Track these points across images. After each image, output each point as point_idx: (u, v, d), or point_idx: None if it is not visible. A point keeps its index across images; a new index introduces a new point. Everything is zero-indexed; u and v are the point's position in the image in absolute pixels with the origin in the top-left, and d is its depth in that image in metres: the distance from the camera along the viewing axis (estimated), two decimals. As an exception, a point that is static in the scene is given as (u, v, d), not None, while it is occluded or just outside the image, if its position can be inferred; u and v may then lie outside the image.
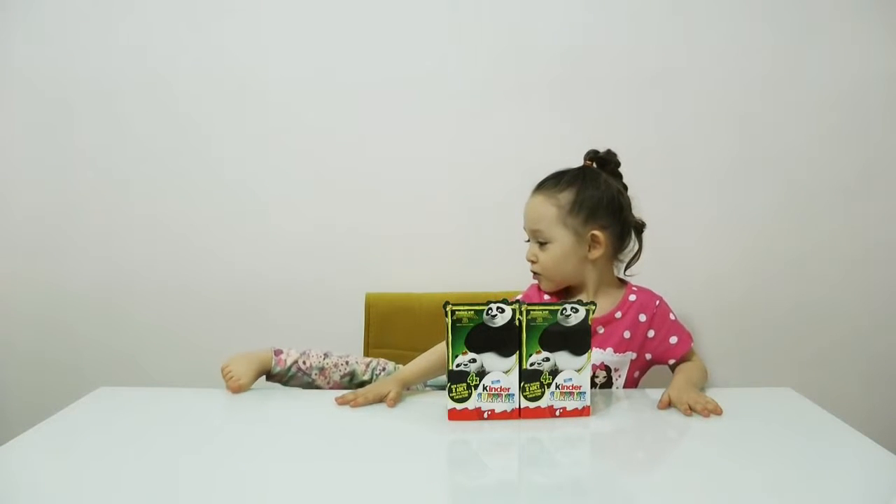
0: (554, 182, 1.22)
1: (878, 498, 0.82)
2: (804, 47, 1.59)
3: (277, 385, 1.25)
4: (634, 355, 1.22)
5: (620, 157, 1.26)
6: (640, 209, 1.26)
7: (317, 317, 1.67)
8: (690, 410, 1.03)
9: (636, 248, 1.26)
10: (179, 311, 1.69)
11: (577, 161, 1.27)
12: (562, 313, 1.02)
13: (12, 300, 1.70)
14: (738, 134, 1.62)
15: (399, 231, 1.66)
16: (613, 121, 1.60)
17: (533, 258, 1.23)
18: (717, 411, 1.03)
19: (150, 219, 1.67)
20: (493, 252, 1.61)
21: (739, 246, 1.65)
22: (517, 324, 1.02)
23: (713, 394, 1.09)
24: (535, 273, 1.25)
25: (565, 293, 1.25)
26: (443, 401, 1.04)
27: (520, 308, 1.02)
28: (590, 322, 1.03)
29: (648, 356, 1.23)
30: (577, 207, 1.18)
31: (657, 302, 1.24)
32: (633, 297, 1.23)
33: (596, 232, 1.19)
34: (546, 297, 1.25)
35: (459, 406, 1.02)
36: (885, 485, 0.84)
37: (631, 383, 1.24)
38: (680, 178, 1.63)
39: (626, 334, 1.21)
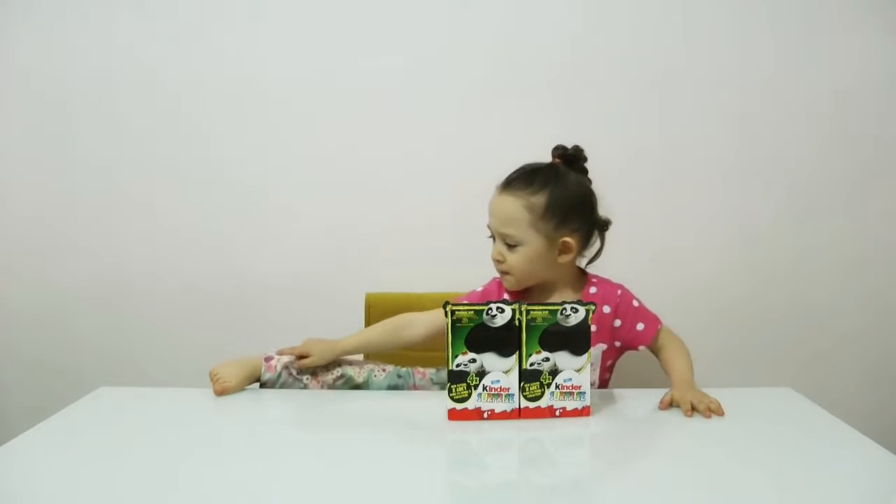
0: (524, 183, 1.17)
1: (878, 498, 0.82)
2: (804, 47, 1.59)
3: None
4: (605, 346, 1.22)
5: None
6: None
7: (317, 317, 1.67)
8: (692, 411, 1.03)
9: (599, 245, 1.23)
10: (179, 311, 1.69)
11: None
12: (562, 313, 1.02)
13: (12, 300, 1.70)
14: (738, 134, 1.62)
15: (399, 231, 1.66)
16: (613, 121, 1.60)
17: (500, 258, 1.19)
18: (719, 412, 1.03)
19: (149, 219, 1.67)
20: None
21: (739, 246, 1.65)
22: (517, 324, 1.02)
23: (713, 394, 1.08)
24: (502, 273, 1.22)
25: (527, 290, 1.23)
26: (443, 401, 1.04)
27: (520, 308, 1.02)
28: (590, 322, 1.03)
29: (618, 344, 1.23)
30: (549, 212, 1.15)
31: (619, 291, 1.22)
32: (593, 290, 1.21)
33: (567, 239, 1.16)
34: (506, 295, 1.23)
35: (459, 406, 1.02)
36: (885, 485, 0.84)
37: (605, 371, 1.24)
38: (680, 178, 1.63)
39: (593, 328, 1.19)
